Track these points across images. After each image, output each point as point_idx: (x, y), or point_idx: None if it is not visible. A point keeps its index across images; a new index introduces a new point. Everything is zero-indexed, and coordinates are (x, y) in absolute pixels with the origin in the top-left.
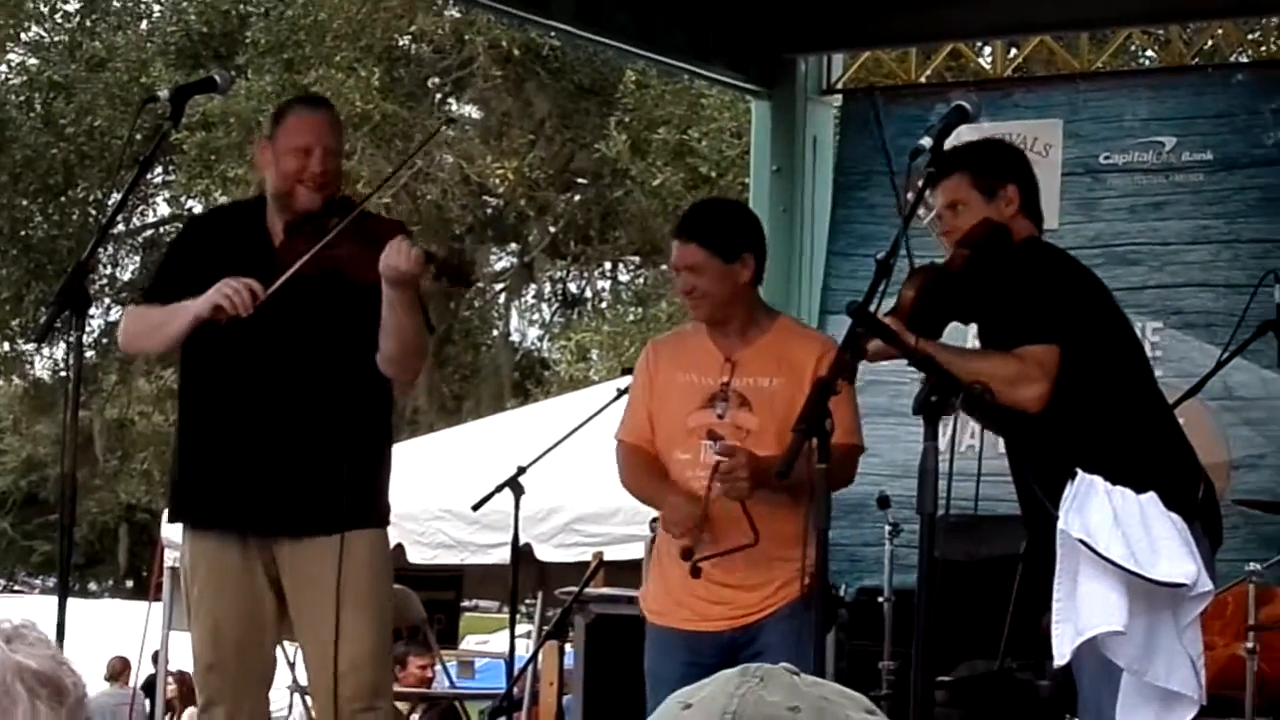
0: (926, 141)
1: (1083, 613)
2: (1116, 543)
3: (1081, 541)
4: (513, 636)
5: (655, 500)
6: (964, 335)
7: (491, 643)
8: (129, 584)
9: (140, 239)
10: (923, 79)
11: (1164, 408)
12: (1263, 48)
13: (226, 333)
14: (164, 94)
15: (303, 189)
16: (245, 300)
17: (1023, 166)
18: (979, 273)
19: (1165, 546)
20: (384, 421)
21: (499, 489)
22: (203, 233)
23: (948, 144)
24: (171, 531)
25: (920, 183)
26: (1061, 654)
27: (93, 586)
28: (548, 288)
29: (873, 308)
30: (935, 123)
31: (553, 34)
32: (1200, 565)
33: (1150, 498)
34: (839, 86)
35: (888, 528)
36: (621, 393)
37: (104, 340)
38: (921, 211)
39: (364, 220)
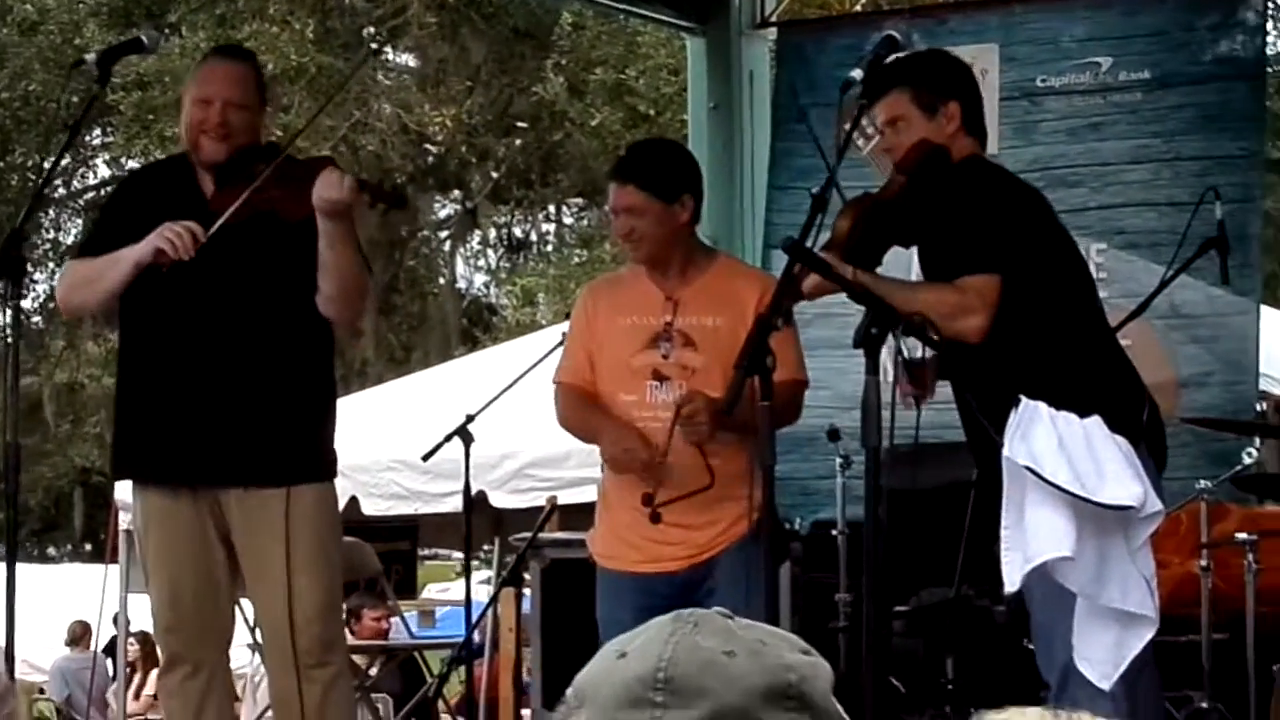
0: (857, 73)
1: (1031, 540)
2: (1062, 468)
3: (1027, 468)
4: (468, 585)
5: (596, 433)
6: (908, 260)
7: (452, 590)
8: (87, 547)
9: (81, 202)
10: (857, 8)
11: (1106, 331)
12: None
13: (165, 284)
14: (91, 56)
15: (205, 139)
16: (187, 243)
17: (966, 81)
18: (917, 197)
19: (1111, 470)
20: (327, 371)
21: (448, 438)
22: (137, 189)
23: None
24: (124, 493)
25: (854, 114)
26: (1012, 582)
27: (51, 551)
28: (492, 234)
29: (809, 242)
30: (866, 53)
31: None
32: (1148, 486)
33: (1095, 421)
34: (773, 20)
35: (839, 461)
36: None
37: (50, 305)
38: (861, 142)
39: (292, 163)
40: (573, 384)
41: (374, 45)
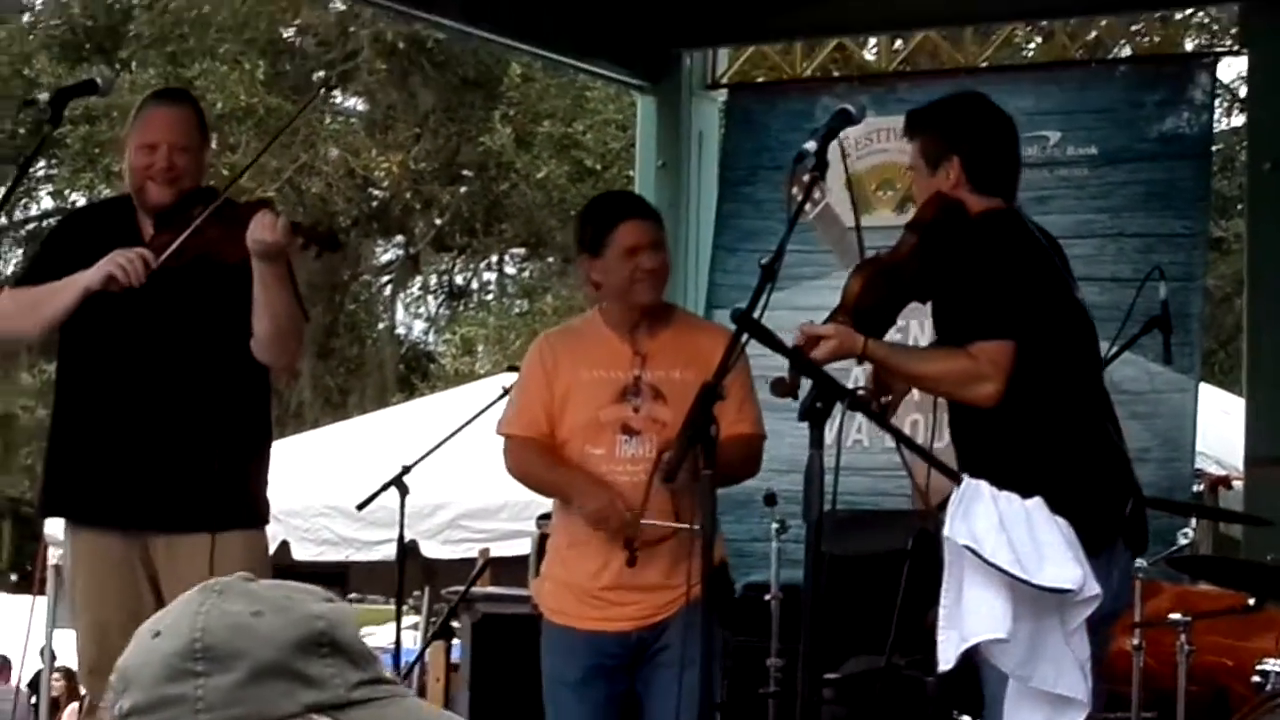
0: (811, 145)
1: (968, 619)
2: (1002, 548)
3: (967, 547)
4: (398, 635)
5: (566, 489)
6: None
7: (379, 635)
8: (13, 578)
9: (24, 232)
10: (808, 73)
11: (1104, 411)
12: (1145, 39)
13: (103, 325)
14: (44, 96)
15: (151, 184)
16: (138, 269)
17: (973, 134)
18: (929, 254)
19: (1051, 552)
20: (262, 416)
21: (384, 488)
22: (77, 227)
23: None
24: (55, 527)
25: (805, 185)
26: (946, 659)
27: None
28: (433, 280)
29: (757, 313)
30: (820, 127)
31: (439, 30)
32: (1087, 570)
33: (1036, 502)
34: (724, 81)
35: (774, 525)
36: (507, 391)
37: None
38: (808, 208)
39: (231, 205)
40: (529, 437)
41: (325, 87)
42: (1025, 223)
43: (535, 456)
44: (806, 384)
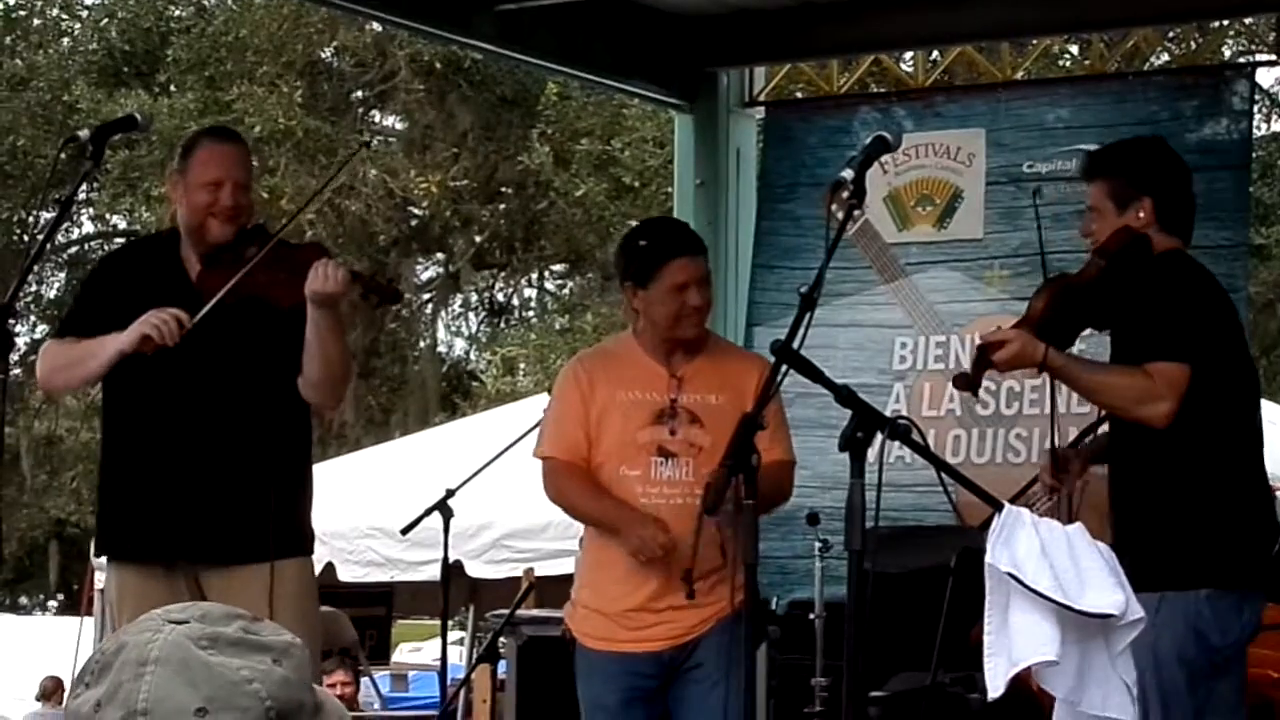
0: (848, 173)
1: (1015, 643)
2: (1044, 574)
3: (1010, 574)
4: (444, 659)
5: (612, 523)
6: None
7: (425, 650)
8: (59, 598)
9: (65, 256)
10: (844, 88)
11: (1260, 452)
12: (1182, 45)
13: (149, 364)
14: (85, 134)
15: (214, 221)
16: (173, 329)
17: (1163, 178)
18: (1114, 281)
19: (1092, 577)
20: (305, 447)
21: (428, 512)
22: (118, 268)
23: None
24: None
25: (843, 211)
26: (996, 686)
27: (23, 601)
28: (474, 298)
29: (797, 342)
30: (857, 154)
31: (475, 53)
32: (1129, 594)
33: (1077, 528)
34: (761, 99)
35: (818, 544)
36: None
37: (31, 357)
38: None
39: (283, 247)
40: (569, 461)
41: (364, 140)
42: (1204, 267)
43: (576, 484)
44: (986, 379)
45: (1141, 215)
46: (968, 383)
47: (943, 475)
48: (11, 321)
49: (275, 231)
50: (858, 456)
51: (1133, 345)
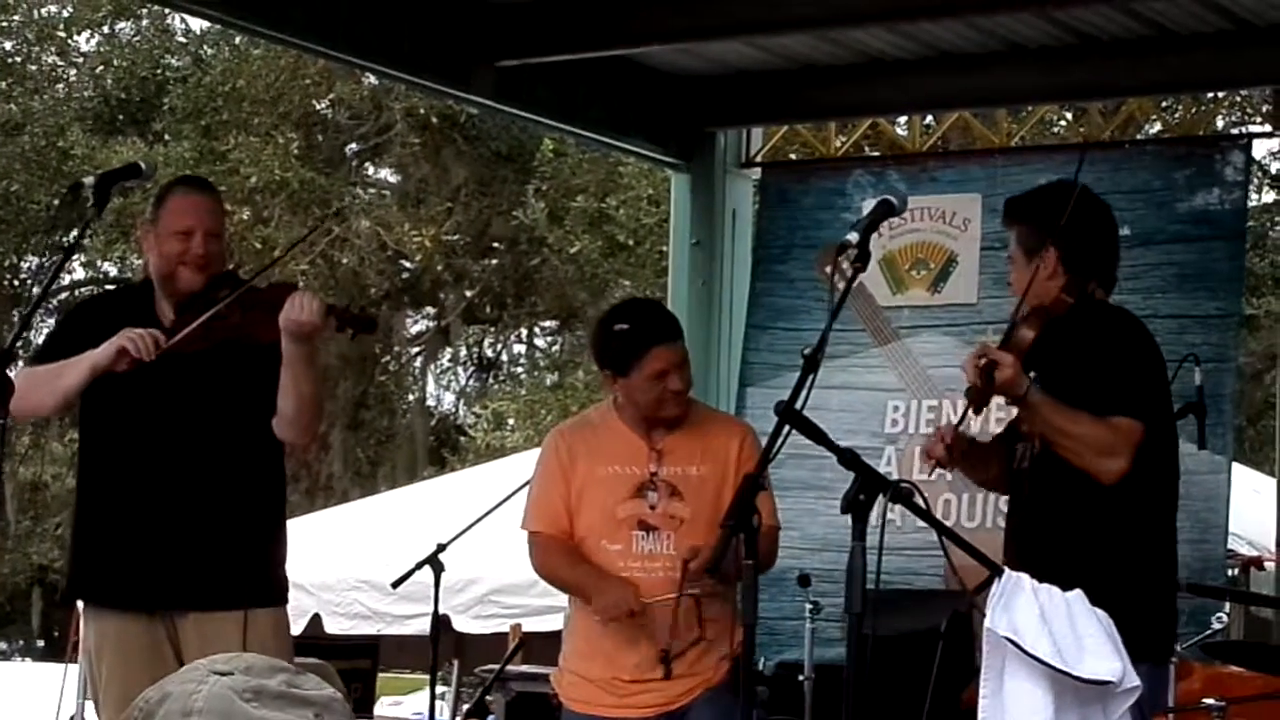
0: (853, 236)
1: (1010, 709)
2: (1043, 640)
3: (1008, 639)
4: (432, 714)
5: (584, 587)
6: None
7: (405, 704)
8: (40, 644)
9: (55, 302)
10: (841, 150)
11: (1173, 510)
12: (1177, 114)
13: (125, 409)
14: (89, 181)
15: (185, 270)
16: (149, 346)
17: (1069, 223)
18: (1069, 330)
19: (1091, 644)
20: (280, 492)
21: (419, 566)
22: (93, 314)
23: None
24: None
25: (848, 275)
26: None
27: (3, 647)
28: (463, 352)
29: (799, 404)
30: (862, 218)
31: (473, 108)
32: (1126, 661)
33: (1076, 594)
34: (758, 160)
35: (808, 606)
36: None
37: None
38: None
39: (255, 290)
40: (552, 535)
41: (326, 214)
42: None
43: (556, 556)
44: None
45: (1047, 263)
46: (979, 396)
47: (943, 539)
48: (10, 368)
49: (246, 280)
50: (859, 519)
51: (1087, 395)
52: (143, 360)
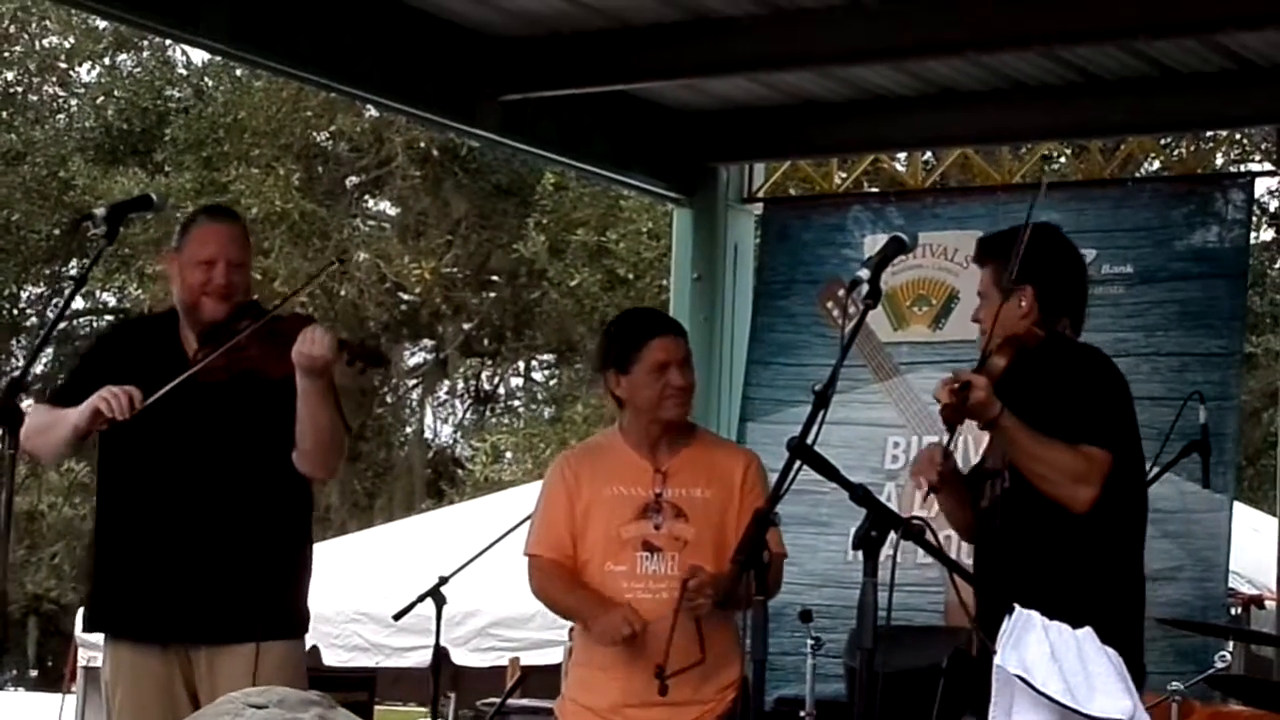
0: (864, 273)
1: None
2: (1054, 678)
3: (1019, 677)
4: None
5: (581, 612)
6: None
7: None
8: (34, 674)
9: (56, 331)
10: (842, 186)
11: (1141, 541)
12: (1177, 151)
13: (142, 440)
14: (100, 212)
15: (208, 300)
16: (123, 404)
17: (1045, 265)
18: (1034, 359)
19: (1101, 682)
20: (304, 525)
21: (420, 599)
22: (115, 345)
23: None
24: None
25: (856, 312)
26: None
27: None
28: (461, 384)
29: (810, 439)
30: (872, 256)
31: (476, 141)
32: (1136, 699)
33: (1087, 632)
34: (759, 195)
35: (810, 643)
36: None
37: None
38: (839, 318)
39: (276, 321)
40: (553, 559)
41: (339, 259)
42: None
43: (555, 580)
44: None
45: (1024, 303)
46: (953, 416)
47: (953, 575)
48: (21, 397)
49: (268, 314)
50: (871, 555)
51: (1058, 424)
52: (117, 420)
